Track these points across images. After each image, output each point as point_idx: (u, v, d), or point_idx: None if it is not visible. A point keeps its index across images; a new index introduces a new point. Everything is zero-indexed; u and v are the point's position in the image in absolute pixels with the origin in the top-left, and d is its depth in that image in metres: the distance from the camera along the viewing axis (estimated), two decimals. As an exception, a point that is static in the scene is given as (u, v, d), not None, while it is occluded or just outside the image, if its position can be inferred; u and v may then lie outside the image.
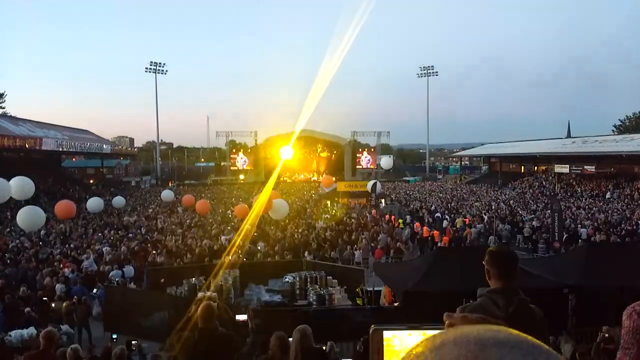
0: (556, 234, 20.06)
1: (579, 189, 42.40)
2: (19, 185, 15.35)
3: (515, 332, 0.55)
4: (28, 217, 13.89)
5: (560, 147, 49.26)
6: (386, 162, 44.28)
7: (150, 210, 33.80)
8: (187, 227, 24.72)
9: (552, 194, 40.21)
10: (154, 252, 17.64)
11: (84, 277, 14.48)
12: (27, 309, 11.04)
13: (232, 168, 67.60)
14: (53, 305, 11.81)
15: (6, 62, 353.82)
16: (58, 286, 13.56)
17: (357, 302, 12.29)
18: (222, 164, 72.07)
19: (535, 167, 54.92)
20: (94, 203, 25.14)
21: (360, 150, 69.74)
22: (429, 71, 73.73)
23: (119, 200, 30.19)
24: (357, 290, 12.53)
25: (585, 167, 44.33)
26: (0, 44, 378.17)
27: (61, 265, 15.56)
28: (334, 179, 40.49)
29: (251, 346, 4.93)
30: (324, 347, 6.45)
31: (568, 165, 46.59)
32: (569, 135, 65.83)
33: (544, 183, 48.37)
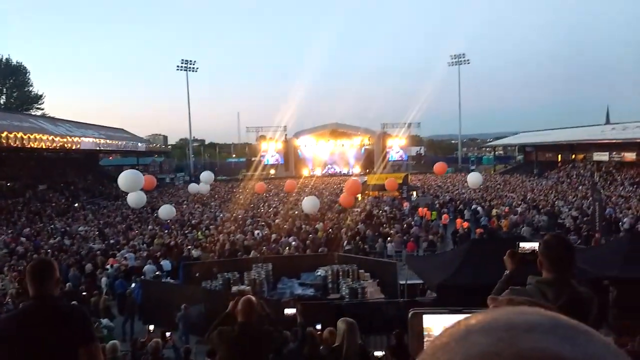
0: (596, 224, 19.40)
1: (619, 177, 40.90)
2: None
3: (550, 313, 0.48)
4: (128, 179, 14.75)
5: (599, 134, 47.46)
6: None
7: (184, 206, 34.47)
8: (220, 221, 25.13)
9: (591, 183, 38.92)
10: (188, 246, 17.98)
11: (124, 272, 14.97)
12: (74, 302, 11.45)
13: (262, 163, 68.17)
14: (92, 300, 12.27)
15: (43, 64, 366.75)
16: (103, 280, 14.10)
17: None
18: (253, 159, 72.68)
19: (573, 156, 53.20)
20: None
21: (389, 144, 69.14)
22: (460, 59, 72.06)
23: (207, 176, 29.51)
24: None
25: (625, 154, 42.69)
26: (36, 48, 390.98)
27: (107, 261, 16.10)
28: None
29: (300, 342, 4.94)
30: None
31: (607, 153, 44.94)
32: (607, 122, 63.37)
33: (582, 172, 46.87)
